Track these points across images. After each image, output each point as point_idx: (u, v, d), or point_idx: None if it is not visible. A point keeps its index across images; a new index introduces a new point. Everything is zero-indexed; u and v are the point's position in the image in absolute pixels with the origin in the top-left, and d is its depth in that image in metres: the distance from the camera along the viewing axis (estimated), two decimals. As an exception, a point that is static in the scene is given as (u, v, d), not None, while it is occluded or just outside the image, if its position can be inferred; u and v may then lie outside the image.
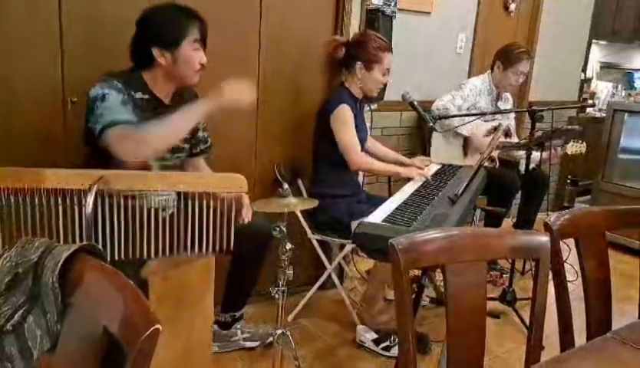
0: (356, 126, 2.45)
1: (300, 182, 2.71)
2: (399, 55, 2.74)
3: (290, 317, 2.56)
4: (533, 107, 2.64)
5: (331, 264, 2.65)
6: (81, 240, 1.29)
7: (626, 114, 3.79)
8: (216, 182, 1.39)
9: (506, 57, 3.13)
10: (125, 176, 1.34)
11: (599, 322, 1.52)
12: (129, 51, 1.79)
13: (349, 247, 2.51)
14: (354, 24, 2.82)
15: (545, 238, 1.34)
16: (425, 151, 3.38)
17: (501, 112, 3.18)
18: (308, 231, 2.57)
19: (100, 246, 1.32)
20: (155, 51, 1.73)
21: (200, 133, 2.02)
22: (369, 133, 2.77)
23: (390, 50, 2.46)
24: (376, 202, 2.58)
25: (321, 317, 2.65)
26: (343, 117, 2.39)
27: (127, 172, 1.35)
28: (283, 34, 2.55)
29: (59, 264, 0.85)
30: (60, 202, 1.29)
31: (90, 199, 1.23)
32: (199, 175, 1.43)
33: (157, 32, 1.73)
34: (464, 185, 2.15)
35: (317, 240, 2.57)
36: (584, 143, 3.18)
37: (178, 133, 1.67)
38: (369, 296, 2.51)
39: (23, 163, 1.88)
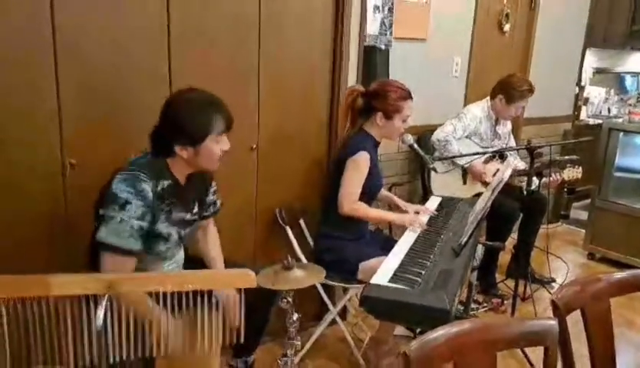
0: (373, 173, 2.45)
1: (302, 222, 2.72)
2: (397, 83, 2.73)
3: (296, 360, 2.57)
4: (531, 145, 2.65)
5: (333, 302, 2.67)
6: (90, 349, 1.29)
7: (621, 133, 3.82)
8: (226, 280, 1.39)
9: (510, 94, 3.15)
10: (134, 279, 1.33)
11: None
12: (149, 138, 1.77)
13: (353, 291, 2.52)
14: (352, 62, 2.81)
15: (552, 323, 1.36)
16: (424, 177, 3.40)
17: (500, 150, 3.18)
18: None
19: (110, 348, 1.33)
20: (177, 147, 1.72)
21: (211, 197, 2.05)
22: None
23: (410, 97, 2.45)
24: (380, 240, 2.61)
25: (327, 358, 2.67)
26: (358, 165, 2.39)
27: (135, 275, 1.35)
28: (281, 80, 2.55)
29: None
30: (68, 309, 1.29)
31: (100, 313, 1.23)
32: (208, 274, 1.43)
33: (181, 130, 1.70)
34: (467, 235, 2.15)
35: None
36: (580, 168, 3.22)
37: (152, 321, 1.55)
38: (377, 336, 2.54)
39: (24, 239, 1.90)
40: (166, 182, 1.77)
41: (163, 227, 1.79)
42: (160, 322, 1.49)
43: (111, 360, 1.38)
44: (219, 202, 2.10)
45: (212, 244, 2.12)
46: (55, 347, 1.32)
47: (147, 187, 1.67)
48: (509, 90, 3.15)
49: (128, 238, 1.65)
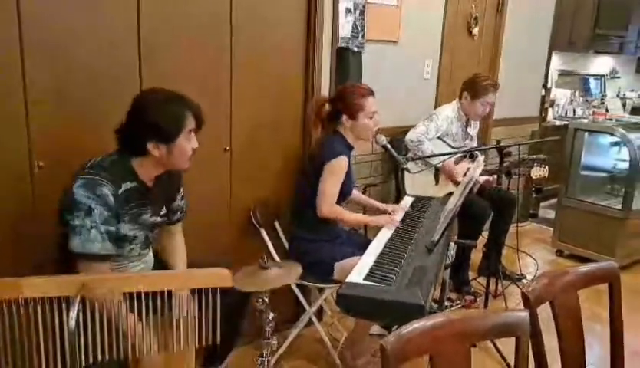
0: (348, 177, 2.47)
1: (277, 224, 2.72)
2: (369, 84, 2.75)
3: (273, 361, 2.57)
4: (501, 145, 2.72)
5: (309, 302, 2.68)
6: (63, 352, 1.27)
7: (586, 133, 3.94)
8: (202, 279, 1.38)
9: (474, 89, 3.21)
10: (108, 281, 1.31)
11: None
12: (116, 137, 1.74)
13: (329, 290, 2.53)
14: (325, 62, 2.83)
15: (523, 314, 1.40)
16: (397, 177, 3.44)
17: (471, 150, 3.25)
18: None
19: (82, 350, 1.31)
20: (150, 145, 1.70)
21: (179, 203, 2.03)
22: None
23: (371, 94, 2.48)
24: (356, 240, 2.63)
25: (303, 359, 2.67)
26: (336, 170, 2.40)
27: (109, 276, 1.33)
28: (255, 81, 2.54)
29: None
30: (40, 311, 1.26)
31: (72, 314, 1.21)
32: (183, 273, 1.41)
33: (154, 127, 1.69)
34: (439, 233, 2.19)
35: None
36: (546, 168, 3.31)
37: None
38: (353, 336, 2.56)
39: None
40: (130, 184, 1.74)
41: (127, 229, 1.76)
42: (132, 329, 1.47)
43: (84, 363, 1.36)
44: (185, 207, 2.08)
45: (179, 255, 2.06)
46: (26, 351, 1.29)
47: (107, 191, 1.65)
48: (472, 85, 3.23)
49: (101, 243, 1.64)
